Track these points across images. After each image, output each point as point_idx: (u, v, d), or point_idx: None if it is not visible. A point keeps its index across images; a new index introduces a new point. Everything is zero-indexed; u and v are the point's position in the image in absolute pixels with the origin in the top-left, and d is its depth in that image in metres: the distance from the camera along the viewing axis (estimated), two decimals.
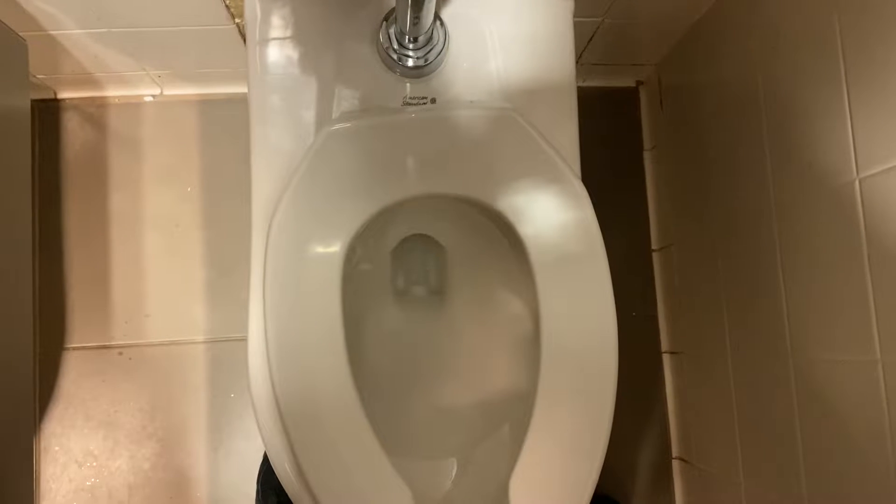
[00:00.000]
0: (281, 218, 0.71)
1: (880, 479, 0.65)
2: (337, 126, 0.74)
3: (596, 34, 1.04)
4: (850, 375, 0.69)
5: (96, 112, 1.17)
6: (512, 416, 0.80)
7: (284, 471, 0.74)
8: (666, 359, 1.19)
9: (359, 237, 0.74)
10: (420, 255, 0.89)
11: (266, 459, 1.09)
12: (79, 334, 1.13)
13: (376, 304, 0.86)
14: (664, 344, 1.20)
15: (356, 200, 0.74)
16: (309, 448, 0.70)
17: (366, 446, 0.71)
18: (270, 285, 0.71)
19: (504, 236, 0.81)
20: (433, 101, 0.79)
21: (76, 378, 1.12)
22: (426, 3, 0.68)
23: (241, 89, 1.17)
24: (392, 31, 0.77)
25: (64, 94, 1.17)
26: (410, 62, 0.77)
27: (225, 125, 1.18)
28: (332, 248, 0.72)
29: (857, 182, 0.65)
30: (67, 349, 1.13)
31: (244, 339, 0.75)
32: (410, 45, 0.76)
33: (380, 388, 0.83)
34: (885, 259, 0.62)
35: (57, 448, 1.11)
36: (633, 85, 1.25)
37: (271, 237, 0.71)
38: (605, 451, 0.73)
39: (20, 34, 0.86)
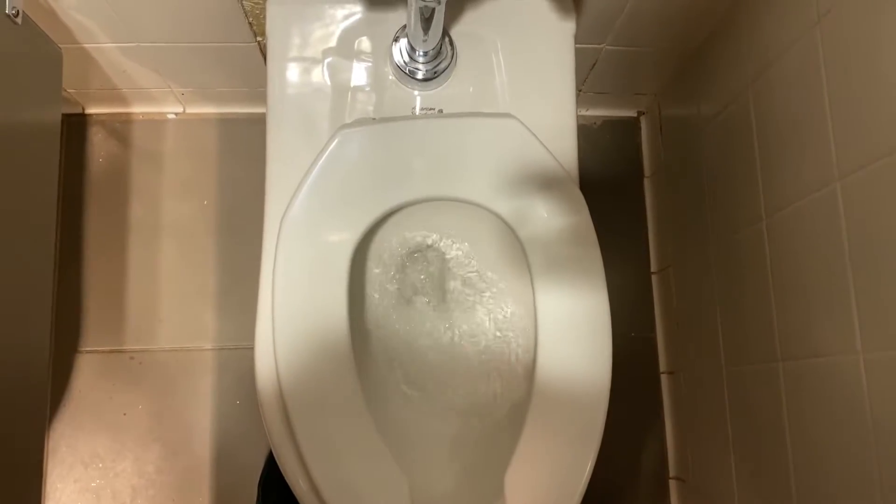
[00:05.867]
0: (293, 212, 0.76)
1: (865, 489, 0.67)
2: (349, 128, 0.79)
3: (598, 62, 1.09)
4: (838, 386, 0.71)
5: (121, 127, 1.23)
6: (508, 417, 0.83)
7: (288, 458, 0.76)
8: (664, 379, 1.21)
9: (366, 237, 0.78)
10: (425, 261, 0.92)
11: (267, 465, 1.11)
12: (93, 338, 1.17)
13: (381, 306, 0.90)
14: (662, 364, 1.22)
15: (365, 200, 0.78)
16: (312, 438, 0.73)
17: (368, 439, 0.74)
18: (280, 276, 0.74)
19: (506, 240, 0.84)
20: (440, 112, 0.84)
21: (88, 381, 1.16)
22: (435, 19, 0.73)
23: (258, 109, 1.23)
24: (403, 45, 0.82)
25: (92, 110, 1.23)
26: (420, 74, 0.82)
27: (242, 143, 1.24)
28: (342, 244, 0.76)
29: (837, 186, 0.68)
30: (81, 352, 1.16)
31: (251, 348, 0.79)
32: (420, 59, 0.81)
33: (382, 386, 0.86)
34: (867, 266, 0.66)
35: (65, 449, 1.14)
36: (635, 115, 1.30)
37: (283, 230, 0.75)
38: (597, 449, 0.75)
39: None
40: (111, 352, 1.17)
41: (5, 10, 0.78)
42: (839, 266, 0.69)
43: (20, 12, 0.80)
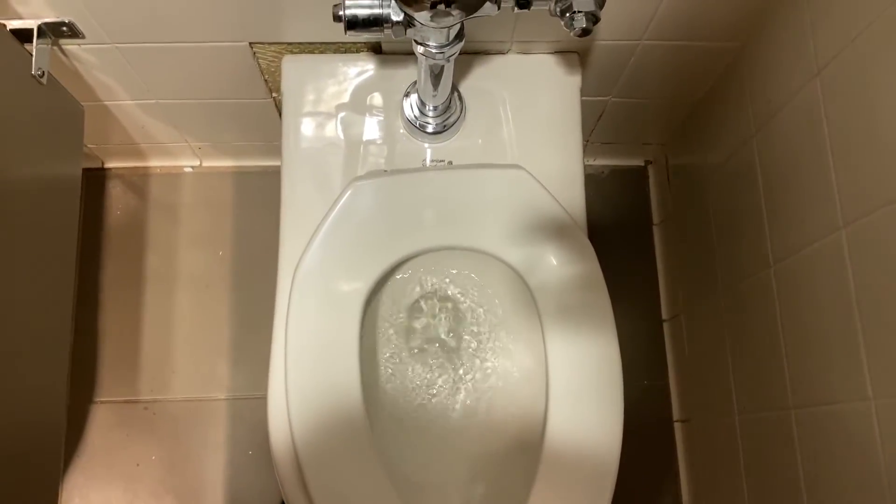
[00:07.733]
0: (306, 263, 0.77)
1: None
2: (362, 180, 0.81)
3: (604, 113, 1.11)
4: (851, 432, 0.71)
5: (139, 181, 1.26)
6: (519, 469, 0.83)
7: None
8: (677, 427, 1.20)
9: (378, 287, 0.80)
10: (435, 310, 0.93)
11: None
12: (108, 388, 1.18)
13: (392, 355, 0.90)
14: (675, 412, 1.21)
15: (377, 251, 0.79)
16: (325, 490, 0.73)
17: (380, 491, 0.74)
18: (293, 327, 0.75)
19: (516, 289, 0.85)
20: (450, 164, 0.86)
21: (102, 431, 1.16)
22: (444, 75, 0.76)
23: (273, 162, 1.26)
24: (414, 100, 0.84)
25: (111, 164, 1.26)
26: (430, 128, 0.84)
27: (257, 196, 1.27)
28: (354, 294, 0.77)
29: (843, 234, 0.69)
30: (96, 402, 1.17)
31: (264, 398, 0.80)
32: (430, 113, 0.84)
33: (393, 437, 0.86)
34: (874, 312, 0.66)
35: (78, 499, 1.14)
36: (642, 164, 1.32)
37: (296, 281, 0.77)
38: (610, 501, 0.75)
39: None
40: (125, 402, 1.17)
41: (31, 71, 0.82)
42: (847, 312, 0.70)
43: (45, 73, 0.84)
